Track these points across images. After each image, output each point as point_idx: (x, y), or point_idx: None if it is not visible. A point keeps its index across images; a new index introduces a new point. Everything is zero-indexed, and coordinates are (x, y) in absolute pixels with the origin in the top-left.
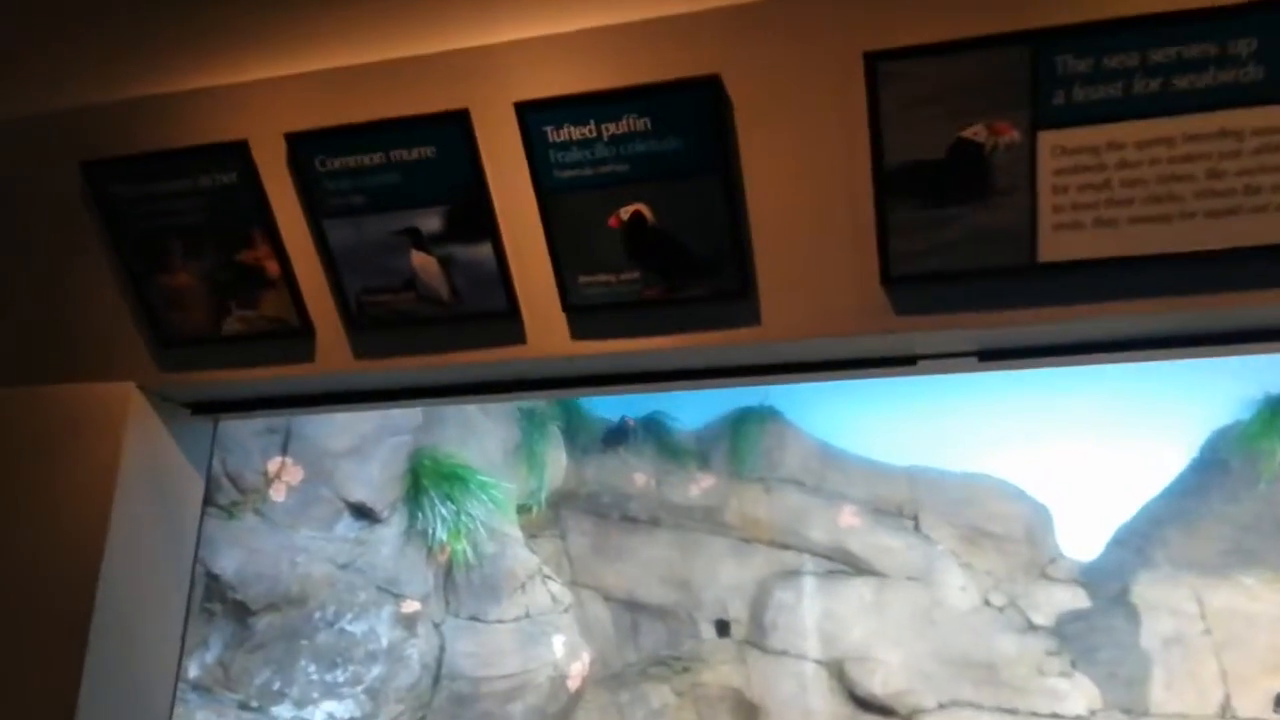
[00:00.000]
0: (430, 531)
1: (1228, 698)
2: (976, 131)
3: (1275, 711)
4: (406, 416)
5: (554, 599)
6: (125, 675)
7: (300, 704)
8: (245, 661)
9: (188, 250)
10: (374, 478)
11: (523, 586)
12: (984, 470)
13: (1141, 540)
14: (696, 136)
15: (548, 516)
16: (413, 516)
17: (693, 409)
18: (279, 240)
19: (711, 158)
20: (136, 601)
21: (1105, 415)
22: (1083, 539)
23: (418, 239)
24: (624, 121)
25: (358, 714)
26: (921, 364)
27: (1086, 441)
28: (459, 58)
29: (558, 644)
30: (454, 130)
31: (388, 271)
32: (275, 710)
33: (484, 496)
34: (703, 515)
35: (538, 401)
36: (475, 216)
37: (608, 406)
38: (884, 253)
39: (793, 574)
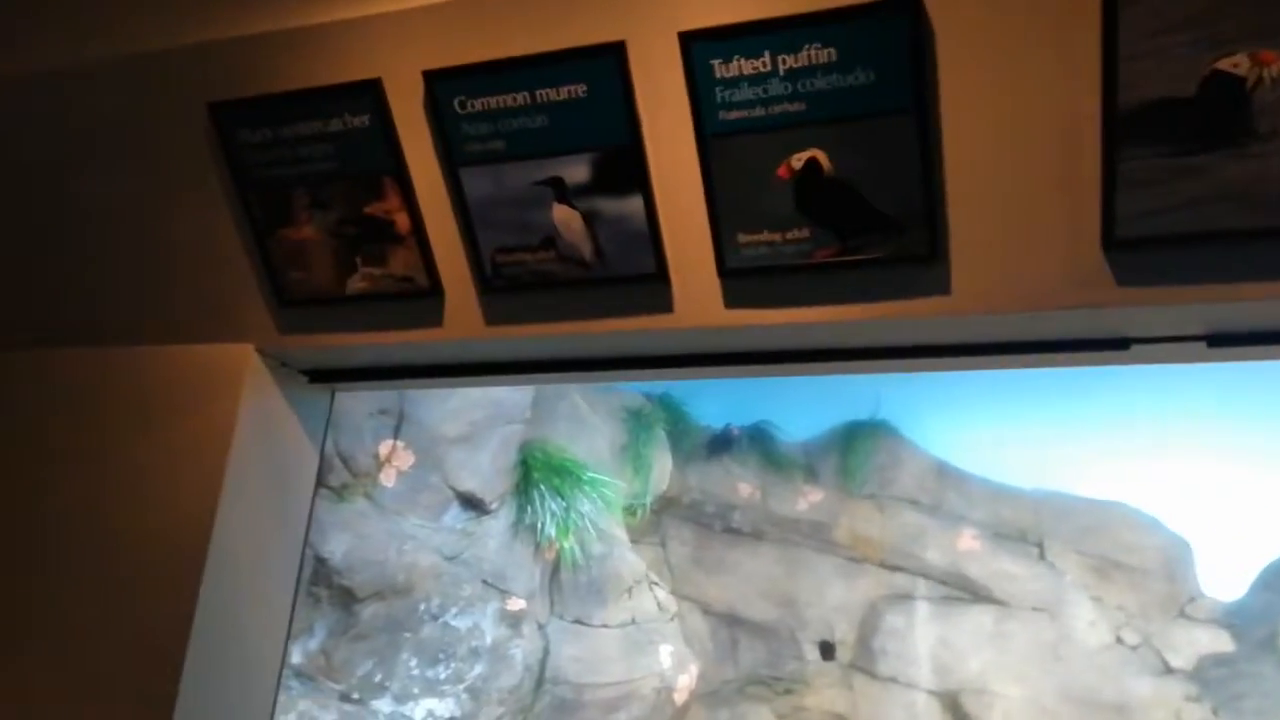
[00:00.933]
0: (539, 526)
1: None
2: (1237, 62)
3: None
4: (518, 406)
5: (660, 606)
6: (232, 650)
7: (401, 699)
8: (348, 651)
9: (314, 201)
10: (484, 467)
11: (629, 591)
12: (1117, 497)
13: None
14: (889, 70)
15: (649, 523)
16: (521, 510)
17: (799, 420)
18: (411, 191)
19: (905, 95)
20: (246, 574)
21: (1253, 440)
22: (1226, 577)
23: (561, 190)
24: (805, 52)
25: (458, 713)
26: (1135, 349)
27: (1232, 468)
28: None
29: (665, 654)
30: (608, 65)
31: (526, 227)
32: (375, 704)
33: (594, 494)
34: (810, 530)
35: (644, 402)
36: (626, 165)
37: (712, 413)
38: (1109, 211)
39: (905, 598)
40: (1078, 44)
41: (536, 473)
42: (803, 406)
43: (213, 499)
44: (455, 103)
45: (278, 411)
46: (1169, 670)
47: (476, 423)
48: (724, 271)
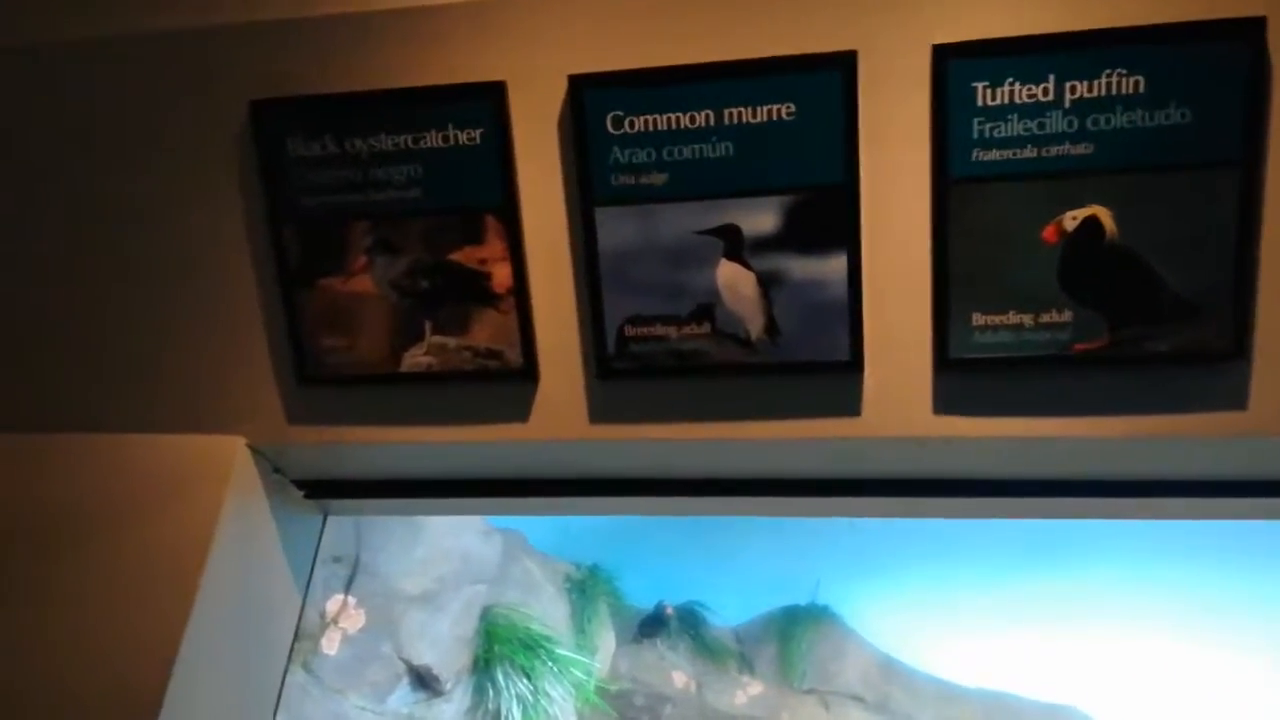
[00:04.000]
0: (502, 713)
1: None
2: None
3: None
4: (487, 563)
5: None
6: None
7: None
8: None
9: (379, 241)
10: (443, 636)
11: None
12: (1065, 700)
13: None
14: (1214, 110)
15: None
16: (480, 691)
17: (732, 602)
18: (519, 234)
19: (1231, 143)
20: None
21: (1192, 653)
22: None
23: (735, 243)
24: (1103, 80)
25: None
26: None
27: (1169, 679)
28: None
29: None
30: (830, 81)
31: (677, 291)
32: None
33: (563, 676)
34: None
35: (584, 572)
36: (832, 213)
37: (637, 589)
38: None
39: None
40: None
41: (500, 645)
42: (735, 587)
43: (169, 651)
44: (609, 119)
45: (261, 535)
46: None
47: (443, 579)
48: (944, 362)
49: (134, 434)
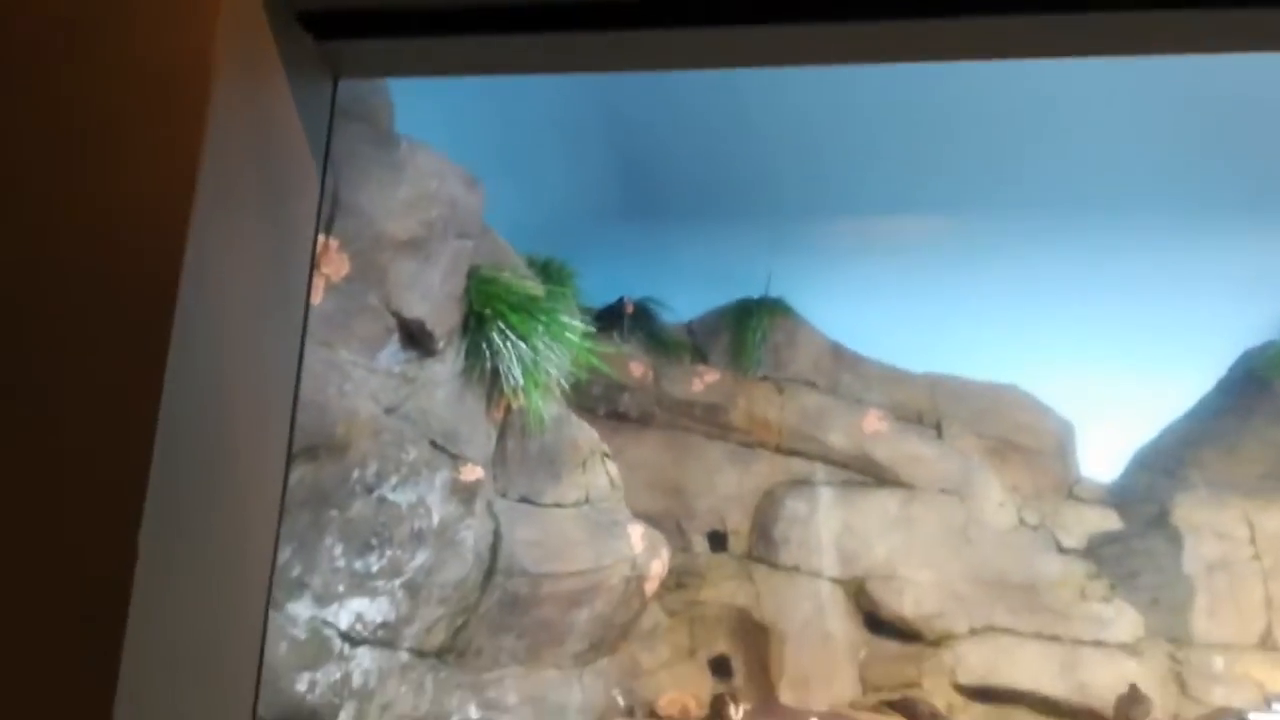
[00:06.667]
0: (503, 374)
1: (1269, 627)
2: None
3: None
4: (472, 215)
5: (612, 482)
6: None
7: (322, 600)
8: None
9: None
10: (434, 290)
11: (584, 464)
12: (1007, 380)
13: (1174, 462)
14: None
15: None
16: (474, 353)
17: (686, 298)
18: None
19: None
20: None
21: (1124, 331)
22: (1105, 459)
23: None
24: None
25: (391, 617)
26: None
27: (1103, 357)
28: None
29: (635, 536)
30: None
31: None
32: (291, 607)
33: (560, 341)
34: (703, 414)
35: (547, 259)
36: None
37: (596, 288)
38: None
39: (805, 483)
40: None
41: (494, 304)
42: (686, 282)
43: (183, 209)
44: None
45: (267, 85)
46: (1064, 550)
47: (431, 224)
48: None
49: None
